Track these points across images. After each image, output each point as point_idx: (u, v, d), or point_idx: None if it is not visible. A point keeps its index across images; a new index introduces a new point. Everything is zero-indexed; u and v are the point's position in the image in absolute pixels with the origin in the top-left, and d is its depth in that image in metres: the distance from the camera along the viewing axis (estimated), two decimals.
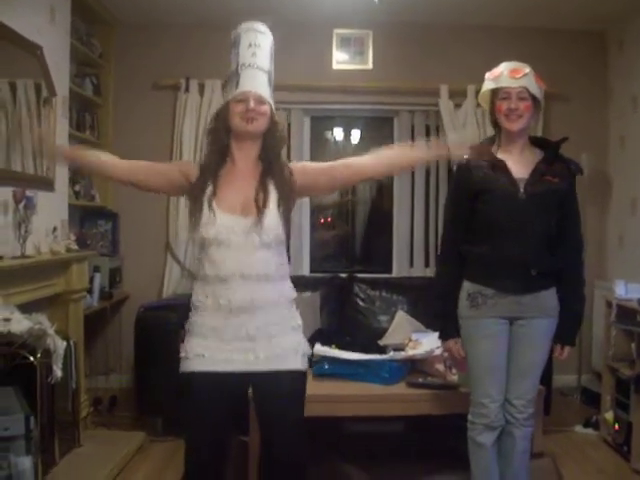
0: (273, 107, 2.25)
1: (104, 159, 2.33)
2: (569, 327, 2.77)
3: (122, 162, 2.30)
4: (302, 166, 2.36)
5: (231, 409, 2.28)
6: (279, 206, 2.19)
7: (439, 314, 2.89)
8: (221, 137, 2.25)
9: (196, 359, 2.20)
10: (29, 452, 2.85)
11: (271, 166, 2.24)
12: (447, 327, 2.83)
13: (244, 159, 2.25)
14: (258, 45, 2.22)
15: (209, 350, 2.18)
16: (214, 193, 2.19)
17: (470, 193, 2.71)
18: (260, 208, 2.16)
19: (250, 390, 2.36)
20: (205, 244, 2.19)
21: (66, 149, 2.40)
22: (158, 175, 2.31)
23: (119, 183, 2.35)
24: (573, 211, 2.78)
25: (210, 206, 2.17)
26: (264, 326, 2.19)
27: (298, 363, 2.25)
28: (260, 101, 2.19)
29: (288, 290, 2.28)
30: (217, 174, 2.23)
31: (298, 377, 2.27)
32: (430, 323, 4.07)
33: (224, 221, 2.16)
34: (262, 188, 2.20)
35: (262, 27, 2.27)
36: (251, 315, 2.17)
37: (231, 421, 2.31)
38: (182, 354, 2.24)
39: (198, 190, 2.21)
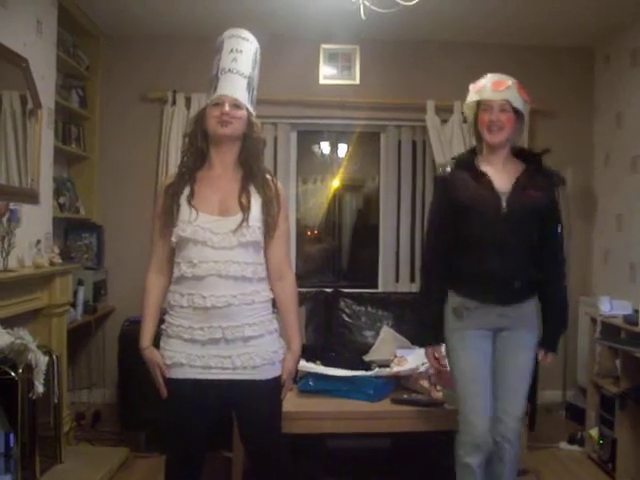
0: (252, 111, 2.26)
1: (156, 299, 2.33)
2: (553, 334, 2.80)
3: (160, 270, 2.31)
4: (281, 195, 2.33)
5: (210, 416, 2.29)
6: (261, 210, 2.21)
7: (421, 321, 2.90)
8: (197, 140, 2.26)
9: (173, 367, 2.20)
10: (8, 470, 2.83)
11: (252, 170, 2.25)
12: (427, 334, 2.84)
13: (222, 163, 2.27)
14: (240, 51, 2.24)
15: (186, 357, 2.19)
16: (192, 193, 2.20)
17: (452, 206, 2.73)
18: (245, 208, 2.18)
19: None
20: (182, 243, 2.19)
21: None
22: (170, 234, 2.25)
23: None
24: (555, 223, 2.80)
25: (187, 205, 2.19)
26: (239, 327, 2.19)
27: (275, 372, 2.27)
28: (236, 105, 2.20)
29: (264, 291, 2.28)
30: (194, 176, 2.24)
31: (275, 383, 2.28)
32: (414, 338, 4.08)
33: (202, 221, 2.17)
34: (244, 190, 2.21)
35: (246, 34, 2.29)
36: (226, 315, 2.17)
37: (208, 427, 2.31)
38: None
39: (174, 190, 2.23)
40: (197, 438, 2.27)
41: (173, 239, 2.20)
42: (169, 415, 2.26)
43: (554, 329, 2.80)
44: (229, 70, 2.22)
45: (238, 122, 2.21)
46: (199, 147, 2.26)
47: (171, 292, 2.26)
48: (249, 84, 2.25)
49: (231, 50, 2.24)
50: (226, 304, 2.17)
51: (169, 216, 2.23)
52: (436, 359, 2.82)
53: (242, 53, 2.24)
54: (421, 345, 2.89)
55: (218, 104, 2.20)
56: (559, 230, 2.82)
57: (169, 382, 2.22)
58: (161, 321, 2.31)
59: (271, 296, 2.31)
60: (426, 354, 2.86)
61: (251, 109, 2.27)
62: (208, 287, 2.16)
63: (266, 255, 2.30)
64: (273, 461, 2.30)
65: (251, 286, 2.22)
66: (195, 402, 2.21)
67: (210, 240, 2.16)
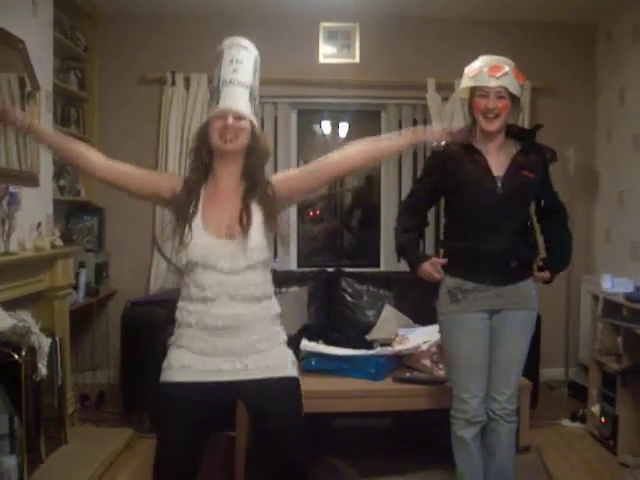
0: (255, 122, 2.24)
1: (84, 150, 2.24)
2: (557, 257, 2.91)
3: (105, 160, 2.25)
4: (283, 176, 2.35)
5: (213, 420, 2.26)
6: (263, 226, 2.18)
7: (402, 250, 2.91)
8: (202, 155, 2.23)
9: (181, 369, 2.16)
10: (13, 451, 2.85)
11: (254, 184, 2.22)
12: (413, 257, 2.85)
13: (227, 177, 2.24)
14: (240, 61, 2.20)
15: (195, 362, 2.16)
16: (199, 214, 2.18)
17: (442, 179, 2.75)
18: (244, 230, 2.15)
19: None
20: (190, 266, 2.17)
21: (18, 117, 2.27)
22: (142, 182, 2.27)
23: (100, 180, 2.29)
24: (550, 190, 2.88)
25: (195, 227, 2.16)
26: (251, 344, 2.18)
27: (288, 371, 2.24)
28: (239, 117, 2.17)
29: (273, 307, 2.27)
30: (199, 193, 2.21)
31: (291, 383, 2.24)
32: (417, 318, 4.10)
33: (209, 243, 2.15)
34: (245, 209, 2.18)
35: (245, 42, 2.26)
36: (237, 334, 2.16)
37: (209, 432, 2.29)
38: (165, 364, 2.20)
39: (181, 209, 2.19)
40: (196, 445, 2.21)
41: (182, 262, 2.18)
42: (170, 420, 2.18)
43: (559, 254, 2.91)
44: (230, 81, 2.19)
45: (242, 134, 2.18)
46: (204, 161, 2.23)
47: (179, 309, 2.23)
48: (251, 94, 2.23)
49: (231, 60, 2.20)
50: (236, 323, 2.15)
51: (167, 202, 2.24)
52: (434, 269, 2.77)
53: (242, 63, 2.21)
54: (414, 266, 2.82)
55: (221, 117, 2.17)
56: (555, 194, 2.92)
57: (174, 385, 2.16)
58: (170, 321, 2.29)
59: (279, 310, 2.30)
60: (422, 271, 2.79)
61: (254, 120, 2.24)
62: (218, 308, 2.15)
63: (316, 176, 2.32)
64: (290, 462, 2.23)
65: (260, 304, 2.21)
66: (200, 405, 2.16)
67: (218, 263, 2.14)
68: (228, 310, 2.15)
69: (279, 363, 2.22)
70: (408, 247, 2.88)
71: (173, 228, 2.20)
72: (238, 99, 2.18)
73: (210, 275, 2.15)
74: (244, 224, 2.15)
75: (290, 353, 2.29)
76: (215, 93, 2.21)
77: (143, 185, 2.27)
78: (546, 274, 2.87)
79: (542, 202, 2.90)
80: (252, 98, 2.23)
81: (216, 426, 2.39)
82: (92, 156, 2.24)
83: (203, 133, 2.23)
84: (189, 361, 2.16)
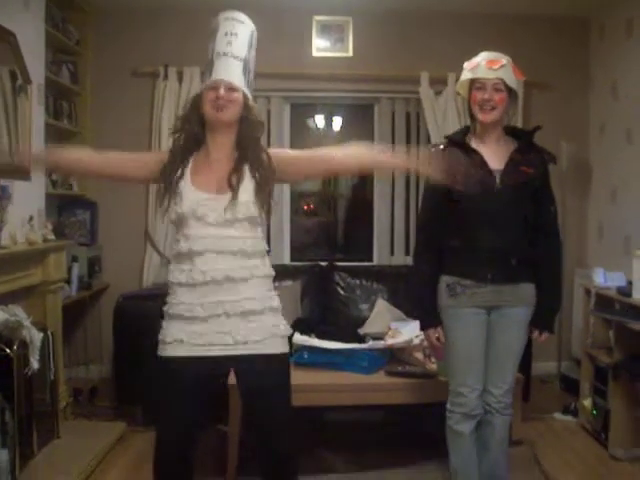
0: (248, 94, 2.24)
1: (79, 156, 2.33)
2: (547, 314, 2.80)
3: (97, 156, 2.30)
4: (278, 152, 2.37)
5: (208, 395, 2.28)
6: (255, 188, 2.20)
7: (418, 304, 2.91)
8: (192, 123, 2.25)
9: (175, 344, 2.19)
10: (4, 445, 2.84)
11: (247, 152, 2.24)
12: (426, 317, 2.84)
13: (219, 148, 2.25)
14: (235, 34, 2.22)
15: (188, 335, 2.17)
16: (187, 177, 2.21)
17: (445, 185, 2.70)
18: (233, 186, 2.17)
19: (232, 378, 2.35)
20: (180, 220, 2.20)
21: (44, 157, 2.40)
22: (134, 163, 2.32)
23: (97, 178, 2.33)
24: (548, 201, 2.80)
25: (184, 186, 2.19)
26: (239, 300, 2.18)
27: (278, 346, 2.24)
28: (231, 88, 2.18)
29: (264, 266, 2.27)
30: (187, 158, 2.24)
31: (280, 360, 2.26)
32: (409, 311, 4.09)
33: (199, 197, 2.18)
34: (236, 169, 2.21)
35: (241, 16, 2.27)
36: (226, 289, 2.17)
37: (206, 406, 2.29)
38: (160, 337, 2.23)
39: (170, 169, 2.22)
40: (192, 418, 2.25)
41: (172, 216, 2.21)
42: (166, 393, 2.23)
43: (548, 309, 2.80)
44: (224, 54, 2.20)
45: (234, 106, 2.20)
46: (194, 131, 2.25)
47: (170, 270, 2.25)
48: (245, 67, 2.23)
49: (226, 33, 2.22)
50: (225, 278, 2.16)
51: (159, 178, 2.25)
52: (437, 339, 2.79)
53: (237, 36, 2.22)
54: (422, 329, 2.88)
55: (213, 88, 2.18)
56: (552, 210, 2.81)
57: (169, 360, 2.20)
58: (163, 303, 2.30)
59: (272, 273, 2.31)
60: (427, 336, 2.84)
61: (247, 92, 2.25)
62: (206, 262, 2.16)
63: (327, 167, 2.38)
64: (274, 442, 2.27)
65: (250, 260, 2.22)
66: (195, 380, 2.19)
67: (207, 216, 2.16)
68: (216, 264, 2.17)
69: (267, 337, 2.21)
70: (423, 305, 2.84)
71: (161, 193, 2.23)
72: (231, 71, 2.20)
73: (198, 228, 2.18)
74: (233, 182, 2.18)
75: (282, 323, 2.28)
76: (209, 65, 2.23)
77: (130, 168, 2.32)
78: (541, 337, 2.79)
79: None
80: (246, 71, 2.23)
81: (212, 406, 2.38)
82: (85, 157, 2.33)
83: (196, 103, 2.25)
84: (181, 334, 2.18)
